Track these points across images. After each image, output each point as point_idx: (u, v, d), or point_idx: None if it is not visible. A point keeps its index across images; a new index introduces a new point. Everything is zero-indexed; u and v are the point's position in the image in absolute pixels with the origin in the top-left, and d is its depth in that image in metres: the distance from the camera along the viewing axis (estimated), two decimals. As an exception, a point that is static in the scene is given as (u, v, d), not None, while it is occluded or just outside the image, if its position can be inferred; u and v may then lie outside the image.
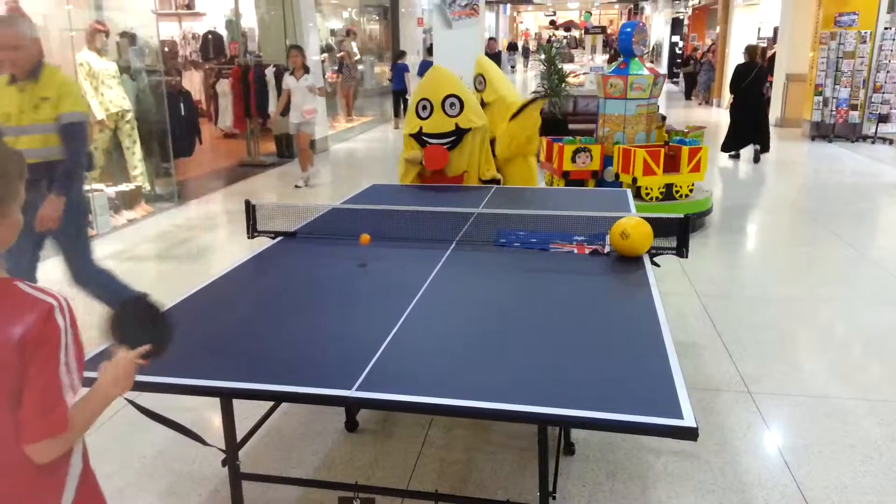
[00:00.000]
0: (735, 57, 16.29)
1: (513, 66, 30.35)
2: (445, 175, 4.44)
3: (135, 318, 1.58)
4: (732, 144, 9.65)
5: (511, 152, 4.78)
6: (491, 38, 9.55)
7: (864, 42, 10.90)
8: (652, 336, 2.06)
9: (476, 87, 5.03)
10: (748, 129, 9.35)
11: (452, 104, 4.29)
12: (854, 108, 11.12)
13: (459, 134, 4.33)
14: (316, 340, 2.07)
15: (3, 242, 1.33)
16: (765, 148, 9.43)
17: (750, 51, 9.45)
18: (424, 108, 4.35)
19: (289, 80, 7.80)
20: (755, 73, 9.19)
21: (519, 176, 4.87)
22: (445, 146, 4.30)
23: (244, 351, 2.01)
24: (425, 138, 4.33)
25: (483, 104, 4.89)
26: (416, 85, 4.51)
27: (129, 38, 7.24)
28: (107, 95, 6.44)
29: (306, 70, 7.81)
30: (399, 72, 13.36)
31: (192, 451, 2.83)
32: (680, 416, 1.62)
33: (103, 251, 5.58)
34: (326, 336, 2.09)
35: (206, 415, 3.15)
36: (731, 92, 9.73)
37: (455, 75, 4.49)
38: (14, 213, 1.33)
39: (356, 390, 1.76)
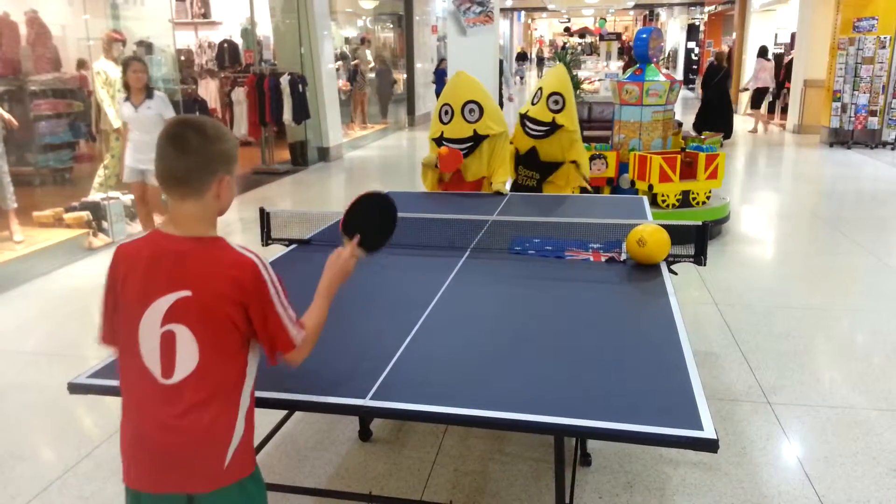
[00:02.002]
0: (751, 63, 16.20)
1: (521, 78, 28.61)
2: (464, 180, 4.43)
3: (367, 211, 1.82)
4: (701, 126, 11.20)
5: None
6: (442, 59, 9.60)
7: (884, 47, 10.78)
8: (670, 345, 2.03)
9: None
10: (716, 117, 11.28)
11: (472, 110, 4.29)
12: (873, 113, 11.00)
13: (477, 140, 4.32)
14: (330, 349, 2.05)
15: (228, 204, 1.58)
16: (727, 135, 11.41)
17: (718, 56, 11.97)
18: (447, 112, 4.36)
19: (125, 109, 5.41)
20: (722, 74, 11.37)
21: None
22: (462, 151, 4.29)
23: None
24: (445, 143, 4.33)
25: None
26: (443, 91, 4.51)
27: (146, 47, 7.30)
28: (123, 104, 6.47)
29: (149, 93, 5.38)
30: (441, 76, 13.50)
31: (205, 460, 2.82)
32: (700, 428, 1.59)
33: (119, 258, 5.62)
34: (340, 345, 2.07)
35: (219, 423, 3.14)
36: (702, 87, 11.96)
37: (478, 81, 4.49)
38: (235, 176, 1.57)
39: (370, 399, 1.74)
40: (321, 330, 1.68)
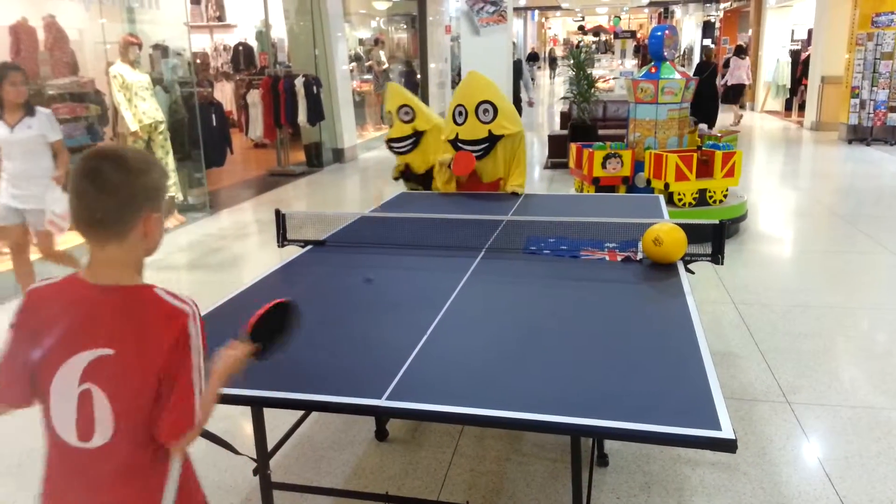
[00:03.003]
0: (768, 60, 16.06)
1: (532, 79, 27.99)
2: (481, 181, 4.43)
3: (274, 321, 1.72)
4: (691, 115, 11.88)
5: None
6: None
7: (904, 42, 10.64)
8: (688, 344, 2.01)
9: (401, 119, 4.67)
10: (705, 108, 11.07)
11: (486, 110, 4.26)
12: (893, 109, 10.86)
13: (492, 140, 4.30)
14: (346, 349, 2.05)
15: (157, 244, 1.42)
16: (711, 126, 11.10)
17: (706, 52, 12.73)
18: (461, 113, 4.34)
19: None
20: (710, 70, 11.42)
21: None
22: (478, 153, 4.28)
23: (275, 360, 2.00)
24: (460, 144, 4.32)
25: (418, 134, 4.69)
26: (456, 91, 4.53)
27: (162, 50, 7.36)
28: (140, 107, 6.54)
29: (30, 111, 4.18)
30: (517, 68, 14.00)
31: (223, 460, 2.84)
32: (718, 428, 1.57)
33: (137, 260, 5.66)
34: (356, 345, 2.08)
35: (237, 424, 3.16)
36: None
37: (492, 81, 4.47)
38: (163, 211, 1.42)
39: (386, 399, 1.74)
40: (206, 420, 1.39)
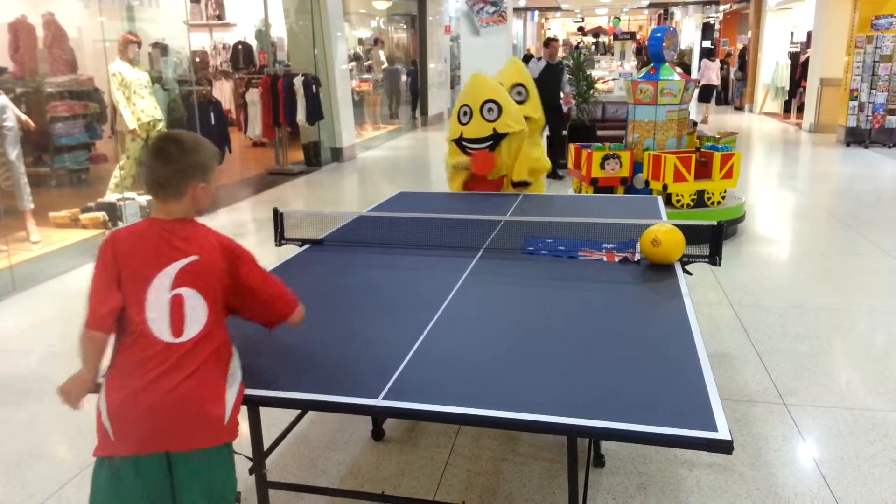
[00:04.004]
0: (767, 62, 16.07)
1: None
2: (485, 179, 4.44)
3: None
4: None
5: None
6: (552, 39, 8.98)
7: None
8: (685, 346, 2.01)
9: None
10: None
11: (490, 109, 4.29)
12: (891, 112, 10.88)
13: (497, 138, 4.33)
14: (342, 349, 2.05)
15: (205, 208, 1.84)
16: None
17: (680, 56, 13.07)
18: (465, 113, 4.38)
19: None
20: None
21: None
22: (486, 148, 4.31)
23: (272, 359, 2.00)
24: (465, 143, 4.35)
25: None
26: (461, 93, 4.52)
27: (161, 48, 7.36)
28: (139, 105, 6.54)
29: None
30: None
31: (219, 459, 2.83)
32: (714, 429, 1.58)
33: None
34: (353, 344, 2.07)
35: (233, 422, 3.15)
36: None
37: (495, 81, 4.49)
38: (212, 182, 1.83)
39: (382, 399, 1.73)
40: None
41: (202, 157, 1.78)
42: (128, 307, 1.70)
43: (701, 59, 15.99)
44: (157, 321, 1.67)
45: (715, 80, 14.90)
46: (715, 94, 15.63)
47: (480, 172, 4.36)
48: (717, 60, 15.56)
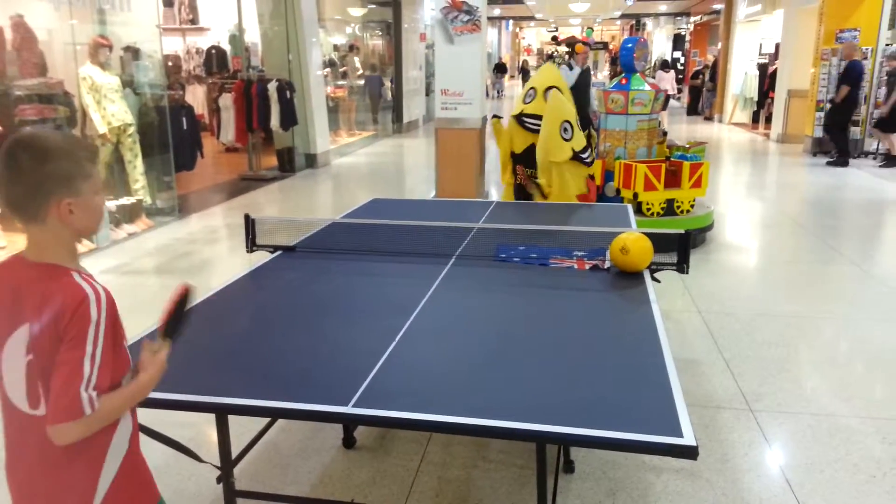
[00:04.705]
0: (736, 73, 16.35)
1: (499, 92, 26.38)
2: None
3: (181, 312, 1.63)
4: None
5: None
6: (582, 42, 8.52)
7: (866, 58, 10.91)
8: (652, 353, 2.04)
9: (546, 99, 4.71)
10: None
11: (552, 95, 4.59)
12: (855, 124, 11.12)
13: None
14: (313, 356, 2.05)
15: (87, 226, 1.42)
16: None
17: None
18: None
19: None
20: None
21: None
22: (536, 126, 4.58)
23: (241, 366, 1.99)
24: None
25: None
26: (551, 111, 4.74)
27: (133, 52, 7.28)
28: (109, 109, 6.47)
29: None
30: None
31: (186, 468, 2.81)
32: (679, 435, 1.60)
33: (103, 265, 5.58)
34: (323, 352, 2.07)
35: (203, 430, 3.13)
36: None
37: (560, 75, 4.84)
38: (87, 195, 1.39)
39: (353, 407, 1.74)
40: (107, 420, 1.39)
41: (63, 165, 1.34)
42: None
43: (656, 70, 16.63)
44: (13, 387, 1.39)
45: (671, 89, 16.07)
46: (669, 101, 16.76)
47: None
48: (672, 71, 17.60)
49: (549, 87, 4.63)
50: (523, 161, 4.80)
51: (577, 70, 8.33)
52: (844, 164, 10.42)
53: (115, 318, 1.40)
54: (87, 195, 1.39)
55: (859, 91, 10.61)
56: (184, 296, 1.60)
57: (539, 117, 4.63)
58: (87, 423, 1.32)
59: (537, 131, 4.62)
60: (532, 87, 4.77)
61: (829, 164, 10.52)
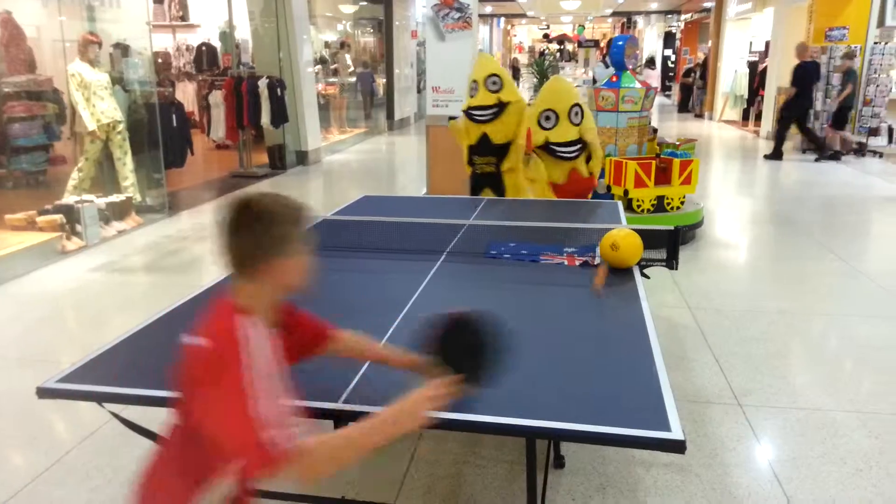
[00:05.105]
0: (726, 71, 16.41)
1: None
2: (581, 177, 4.77)
3: (462, 337, 1.49)
4: None
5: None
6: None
7: (855, 56, 10.98)
8: (641, 348, 2.06)
9: (488, 88, 4.93)
10: None
11: (577, 113, 4.56)
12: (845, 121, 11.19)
13: (585, 144, 4.64)
14: (303, 352, 2.05)
15: (292, 283, 1.46)
16: None
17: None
18: (548, 118, 4.55)
19: None
20: None
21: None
22: (573, 153, 4.64)
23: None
24: (553, 147, 4.56)
25: (502, 105, 4.92)
26: (539, 97, 4.79)
27: (123, 49, 7.24)
28: (98, 106, 6.44)
29: None
30: None
31: (178, 465, 2.80)
32: (668, 429, 1.62)
33: (92, 262, 5.56)
34: (314, 348, 2.07)
35: (193, 427, 3.12)
36: None
37: (572, 85, 4.81)
38: (299, 256, 1.45)
39: (343, 403, 1.74)
40: (342, 460, 1.37)
41: (279, 229, 1.40)
42: None
43: (643, 68, 16.78)
44: None
45: (657, 86, 16.18)
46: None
47: (531, 149, 4.63)
48: (657, 69, 17.99)
49: (491, 74, 4.83)
50: (477, 151, 4.91)
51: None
52: (778, 157, 10.81)
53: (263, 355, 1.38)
54: (298, 256, 1.45)
55: (812, 91, 10.82)
56: (457, 320, 1.56)
57: (482, 108, 4.84)
58: (301, 456, 1.33)
59: (482, 121, 4.74)
60: (474, 80, 4.94)
61: (816, 160, 10.64)
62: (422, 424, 1.45)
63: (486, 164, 4.92)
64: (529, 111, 4.80)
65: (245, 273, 1.41)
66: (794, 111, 10.76)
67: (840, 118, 10.79)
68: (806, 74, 10.57)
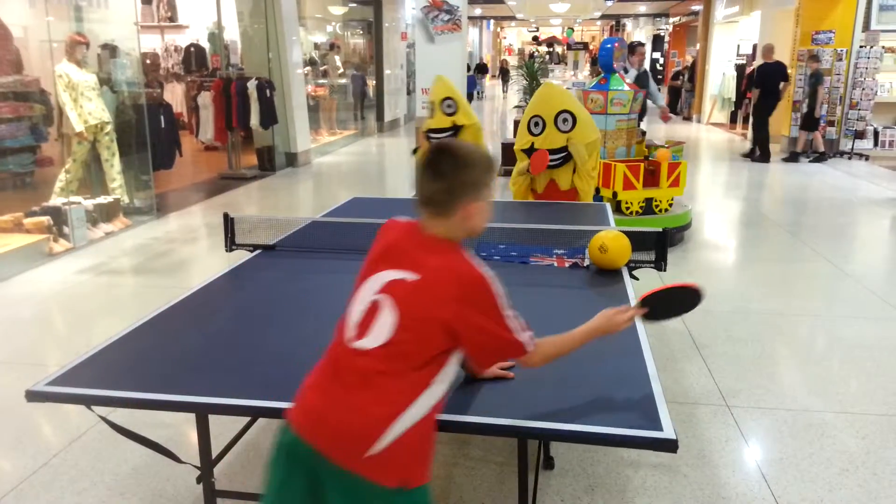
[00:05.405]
0: (715, 74, 16.51)
1: (479, 93, 25.03)
2: (558, 189, 4.59)
3: (674, 298, 1.96)
4: None
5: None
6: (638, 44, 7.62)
7: (840, 60, 11.09)
8: (631, 349, 2.07)
9: (444, 111, 5.01)
10: None
11: (565, 120, 4.46)
12: (831, 124, 11.29)
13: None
14: (293, 355, 2.05)
15: (478, 228, 1.64)
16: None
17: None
18: (537, 124, 4.52)
19: None
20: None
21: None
22: (556, 161, 4.45)
23: (221, 365, 1.99)
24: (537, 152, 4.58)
25: (457, 128, 4.97)
26: (531, 102, 4.77)
27: (110, 49, 7.21)
28: (86, 107, 6.40)
29: None
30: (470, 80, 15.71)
31: (166, 468, 2.79)
32: (660, 429, 1.63)
33: (80, 264, 5.52)
34: (304, 350, 2.07)
35: (180, 431, 3.11)
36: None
37: (568, 93, 4.74)
38: (485, 201, 1.62)
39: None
40: (558, 355, 1.74)
41: (476, 173, 1.58)
42: (354, 289, 1.65)
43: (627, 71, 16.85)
44: (353, 316, 1.59)
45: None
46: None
47: (535, 172, 4.53)
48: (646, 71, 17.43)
49: (446, 98, 4.92)
50: None
51: (632, 73, 7.57)
52: (766, 159, 11.00)
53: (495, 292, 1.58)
54: (485, 202, 1.61)
55: (779, 90, 11.00)
56: (688, 289, 1.97)
57: (439, 130, 4.95)
58: (537, 353, 1.67)
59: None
60: (431, 102, 5.05)
61: (784, 160, 10.97)
62: (615, 331, 1.85)
63: None
64: (523, 116, 4.80)
65: (442, 214, 1.57)
66: (764, 111, 10.96)
67: (809, 120, 10.91)
68: (766, 75, 10.86)
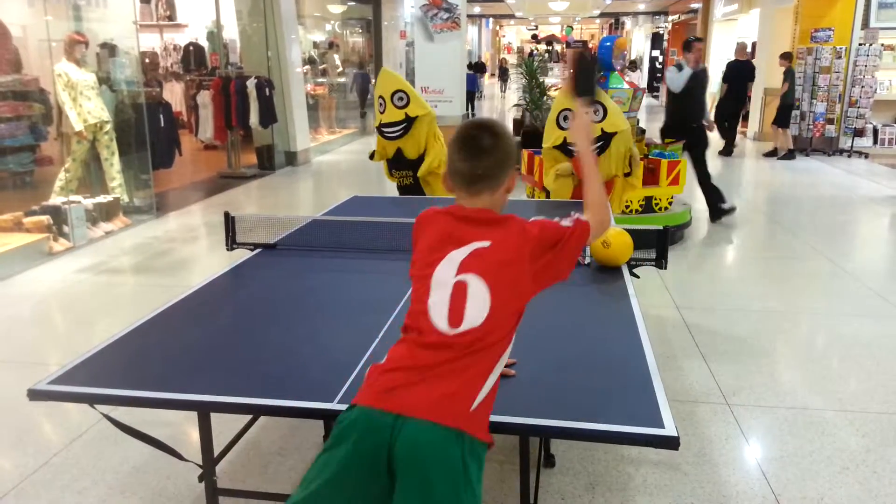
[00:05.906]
0: (714, 71, 16.51)
1: (479, 93, 23.58)
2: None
3: (585, 68, 2.05)
4: None
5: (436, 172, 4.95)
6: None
7: (840, 57, 11.09)
8: (632, 346, 2.07)
9: (395, 104, 4.84)
10: None
11: (597, 110, 4.40)
12: (830, 122, 11.30)
13: (606, 139, 4.40)
14: (295, 353, 2.05)
15: (506, 199, 1.71)
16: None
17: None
18: (566, 118, 4.50)
19: None
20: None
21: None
22: (594, 151, 4.43)
23: (222, 364, 1.99)
24: (572, 148, 4.43)
25: (410, 120, 4.84)
26: (556, 96, 4.69)
27: (109, 49, 7.20)
28: (85, 106, 6.39)
29: None
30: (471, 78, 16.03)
31: (167, 467, 2.79)
32: (661, 426, 1.63)
33: (80, 263, 5.52)
34: (306, 349, 2.07)
35: (182, 429, 3.11)
36: None
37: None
38: (515, 169, 1.71)
39: (337, 403, 1.74)
40: (601, 198, 1.80)
41: (511, 142, 1.69)
42: (416, 284, 1.64)
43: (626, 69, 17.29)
44: (437, 307, 1.55)
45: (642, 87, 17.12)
46: None
47: (540, 185, 4.50)
48: (639, 70, 18.60)
49: (396, 91, 4.79)
50: (395, 166, 4.94)
51: (687, 71, 6.68)
52: (729, 153, 11.23)
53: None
54: (516, 169, 1.73)
55: (746, 89, 11.23)
56: (580, 55, 2.03)
57: (392, 124, 4.79)
58: (593, 215, 1.75)
59: (394, 138, 4.84)
60: (380, 96, 4.88)
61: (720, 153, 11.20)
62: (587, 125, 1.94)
63: (404, 177, 4.98)
64: (550, 112, 4.73)
65: (493, 187, 1.64)
66: (729, 107, 11.12)
67: (783, 117, 11.01)
68: (736, 73, 11.03)
